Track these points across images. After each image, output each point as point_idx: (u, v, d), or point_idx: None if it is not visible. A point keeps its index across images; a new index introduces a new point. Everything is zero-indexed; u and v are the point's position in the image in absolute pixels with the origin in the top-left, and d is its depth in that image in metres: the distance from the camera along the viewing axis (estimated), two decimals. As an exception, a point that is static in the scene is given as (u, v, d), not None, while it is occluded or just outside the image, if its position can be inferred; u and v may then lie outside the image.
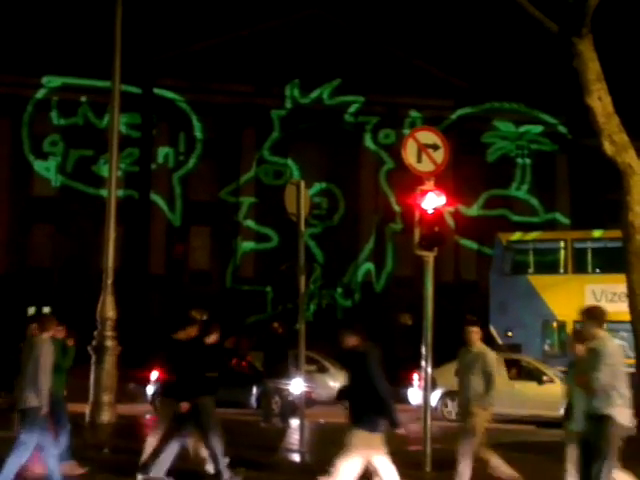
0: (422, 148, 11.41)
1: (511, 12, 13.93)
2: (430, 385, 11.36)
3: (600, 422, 7.16)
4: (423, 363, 11.14)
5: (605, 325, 7.49)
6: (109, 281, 14.86)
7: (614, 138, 13.06)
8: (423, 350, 11.09)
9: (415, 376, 19.82)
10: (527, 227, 34.39)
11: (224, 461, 9.82)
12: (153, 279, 38.97)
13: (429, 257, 11.22)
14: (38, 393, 8.86)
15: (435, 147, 11.45)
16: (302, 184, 13.03)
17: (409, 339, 33.61)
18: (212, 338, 10.15)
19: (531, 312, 23.77)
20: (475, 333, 9.86)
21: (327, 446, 13.24)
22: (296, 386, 15.42)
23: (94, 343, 14.63)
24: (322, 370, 22.88)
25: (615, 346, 7.40)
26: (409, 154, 11.42)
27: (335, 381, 22.97)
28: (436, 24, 42.37)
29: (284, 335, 17.55)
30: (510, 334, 24.13)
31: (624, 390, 7.26)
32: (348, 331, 8.11)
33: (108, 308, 14.74)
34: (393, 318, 39.67)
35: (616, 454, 7.37)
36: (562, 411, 17.92)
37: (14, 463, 8.98)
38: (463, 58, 41.29)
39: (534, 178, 43.43)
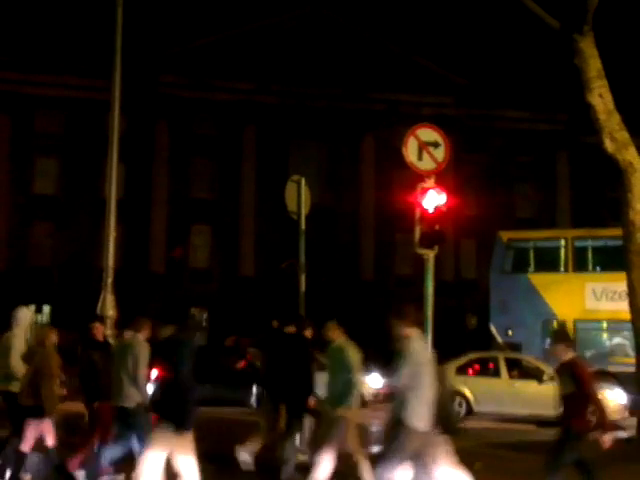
0: (423, 146, 11.36)
1: (512, 8, 13.88)
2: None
3: (397, 425, 7.06)
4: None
5: (415, 324, 7.28)
6: (109, 280, 14.82)
7: (615, 136, 13.00)
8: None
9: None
10: (528, 225, 34.35)
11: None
12: (153, 278, 38.93)
13: (429, 256, 11.17)
14: (139, 390, 9.24)
15: (436, 145, 11.40)
16: (302, 181, 12.97)
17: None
18: (307, 333, 10.79)
19: (531, 311, 23.69)
20: (332, 329, 9.60)
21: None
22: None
23: (94, 342, 14.57)
24: (322, 368, 22.80)
25: (419, 347, 7.18)
26: (410, 152, 11.37)
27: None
28: (436, 20, 42.35)
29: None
30: (510, 333, 24.06)
31: (425, 392, 7.07)
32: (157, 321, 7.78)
33: (108, 307, 14.68)
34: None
35: (406, 456, 7.11)
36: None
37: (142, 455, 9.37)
38: (463, 55, 41.25)
39: (535, 176, 43.40)
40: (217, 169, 40.61)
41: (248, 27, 40.59)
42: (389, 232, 40.03)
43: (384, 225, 40.06)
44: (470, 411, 18.78)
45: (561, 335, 8.51)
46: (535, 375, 19.01)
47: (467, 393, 18.80)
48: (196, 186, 40.38)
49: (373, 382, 23.63)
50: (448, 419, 7.51)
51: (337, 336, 9.54)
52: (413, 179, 11.51)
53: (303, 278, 12.90)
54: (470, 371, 19.55)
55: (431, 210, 11.04)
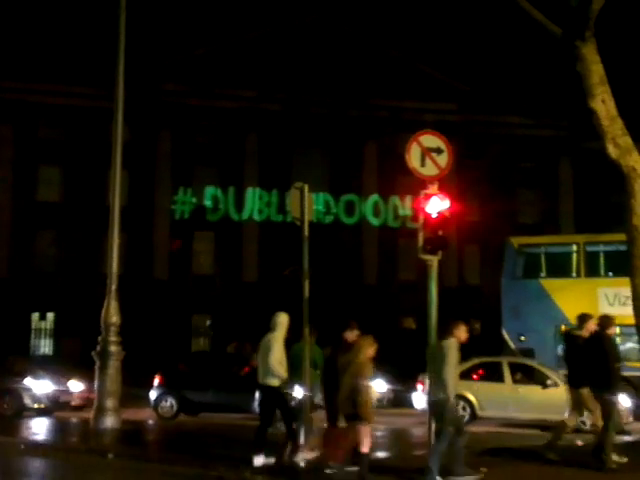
0: (426, 152, 11.41)
1: (514, 16, 13.91)
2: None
3: None
4: (427, 367, 11.11)
5: None
6: (113, 287, 14.90)
7: (618, 141, 13.02)
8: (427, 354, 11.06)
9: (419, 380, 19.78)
10: (531, 231, 34.34)
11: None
12: (157, 284, 38.96)
13: (433, 261, 11.21)
14: (443, 387, 10.16)
15: (439, 151, 11.45)
16: (306, 188, 12.98)
17: (413, 343, 33.59)
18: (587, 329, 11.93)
19: (543, 316, 23.58)
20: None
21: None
22: (299, 390, 15.34)
23: (98, 348, 14.64)
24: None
25: None
26: (413, 158, 11.42)
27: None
28: (439, 28, 42.44)
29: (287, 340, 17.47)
30: (523, 338, 24.00)
31: None
32: None
33: (112, 313, 14.75)
34: (397, 322, 39.66)
35: None
36: (567, 415, 17.94)
37: (437, 450, 10.15)
38: (466, 62, 41.32)
39: (537, 182, 43.41)
40: (220, 177, 40.61)
41: (251, 35, 40.67)
42: (392, 238, 40.15)
43: (387, 231, 40.20)
44: (474, 416, 18.78)
45: None
46: (539, 380, 19.01)
47: (471, 398, 18.81)
48: (199, 193, 40.40)
49: (378, 387, 23.76)
50: None
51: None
52: (416, 185, 11.56)
53: (307, 284, 12.90)
54: (474, 376, 19.54)
55: (434, 216, 11.09)
